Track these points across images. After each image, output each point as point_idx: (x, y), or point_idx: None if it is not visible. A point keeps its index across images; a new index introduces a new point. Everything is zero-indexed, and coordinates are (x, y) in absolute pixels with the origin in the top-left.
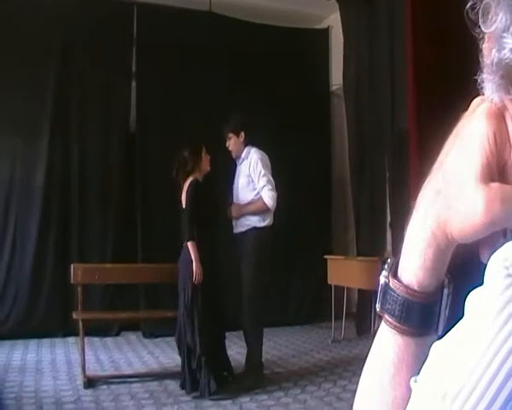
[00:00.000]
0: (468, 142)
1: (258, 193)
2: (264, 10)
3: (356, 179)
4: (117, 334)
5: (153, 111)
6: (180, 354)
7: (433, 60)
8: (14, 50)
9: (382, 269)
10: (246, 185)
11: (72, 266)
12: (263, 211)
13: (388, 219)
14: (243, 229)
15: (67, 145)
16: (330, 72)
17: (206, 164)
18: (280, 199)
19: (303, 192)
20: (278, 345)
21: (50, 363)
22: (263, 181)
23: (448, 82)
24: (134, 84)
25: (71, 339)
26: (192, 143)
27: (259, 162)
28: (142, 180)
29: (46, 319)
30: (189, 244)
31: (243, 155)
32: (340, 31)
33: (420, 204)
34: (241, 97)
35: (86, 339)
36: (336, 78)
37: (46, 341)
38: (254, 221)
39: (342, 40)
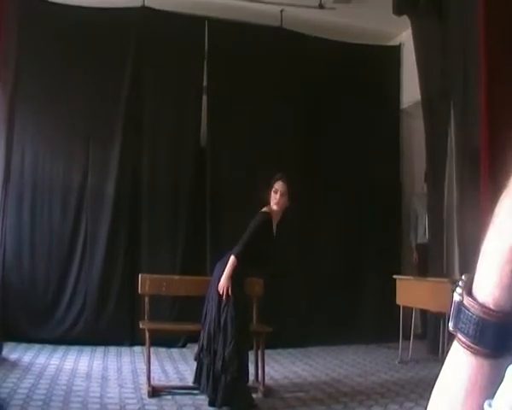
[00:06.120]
0: None
1: None
2: (334, 27)
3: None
4: (183, 345)
5: (223, 125)
6: (202, 358)
7: (509, 74)
8: (88, 66)
9: (456, 286)
10: None
11: (140, 276)
12: None
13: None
14: None
15: (138, 157)
16: (401, 90)
17: (271, 200)
18: (349, 217)
19: (372, 211)
20: (344, 363)
21: (116, 371)
22: None
23: None
24: (205, 98)
25: (137, 348)
26: (284, 172)
27: None
28: (212, 194)
29: (113, 327)
30: (232, 259)
31: None
32: (412, 49)
33: (497, 216)
34: (311, 112)
35: (152, 349)
36: (407, 96)
37: (113, 349)
38: None
39: (414, 58)
